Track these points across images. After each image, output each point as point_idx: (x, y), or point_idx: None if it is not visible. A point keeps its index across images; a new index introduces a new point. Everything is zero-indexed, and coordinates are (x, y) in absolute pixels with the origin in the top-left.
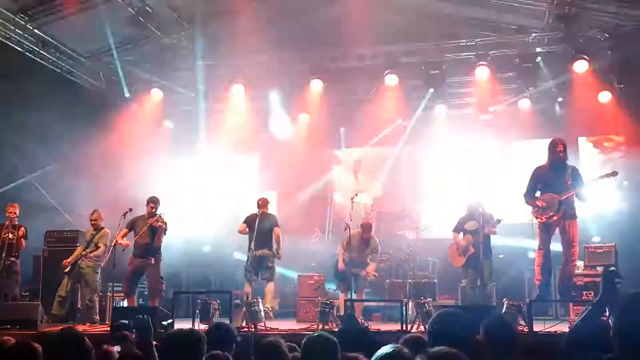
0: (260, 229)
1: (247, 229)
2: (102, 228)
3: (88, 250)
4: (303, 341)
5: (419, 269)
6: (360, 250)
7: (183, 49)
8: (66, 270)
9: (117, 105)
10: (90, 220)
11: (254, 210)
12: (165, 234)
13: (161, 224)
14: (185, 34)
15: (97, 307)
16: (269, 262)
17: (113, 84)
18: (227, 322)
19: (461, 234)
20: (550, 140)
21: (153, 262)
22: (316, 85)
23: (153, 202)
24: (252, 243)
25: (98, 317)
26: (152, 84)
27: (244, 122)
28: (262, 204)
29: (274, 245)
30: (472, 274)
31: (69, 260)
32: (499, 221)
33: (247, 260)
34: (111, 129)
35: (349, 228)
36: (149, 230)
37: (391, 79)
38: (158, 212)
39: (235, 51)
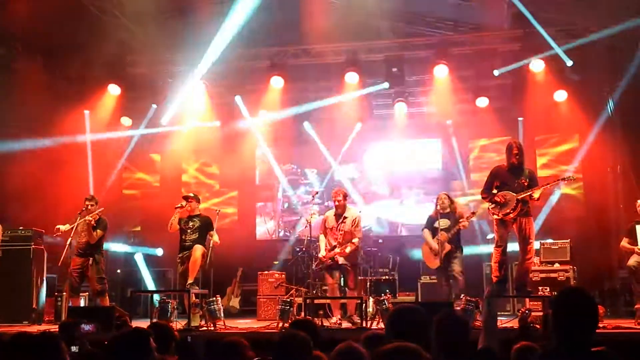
0: None
1: None
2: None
3: None
4: (277, 339)
5: (379, 266)
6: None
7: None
8: None
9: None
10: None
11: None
12: (99, 231)
13: (91, 220)
14: (143, 31)
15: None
16: None
17: None
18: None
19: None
20: (507, 142)
21: (91, 261)
22: (277, 82)
23: (88, 199)
24: None
25: None
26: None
27: (202, 119)
28: None
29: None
30: (443, 271)
31: None
32: (473, 214)
33: None
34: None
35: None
36: (85, 228)
37: (351, 77)
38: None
39: (194, 47)
